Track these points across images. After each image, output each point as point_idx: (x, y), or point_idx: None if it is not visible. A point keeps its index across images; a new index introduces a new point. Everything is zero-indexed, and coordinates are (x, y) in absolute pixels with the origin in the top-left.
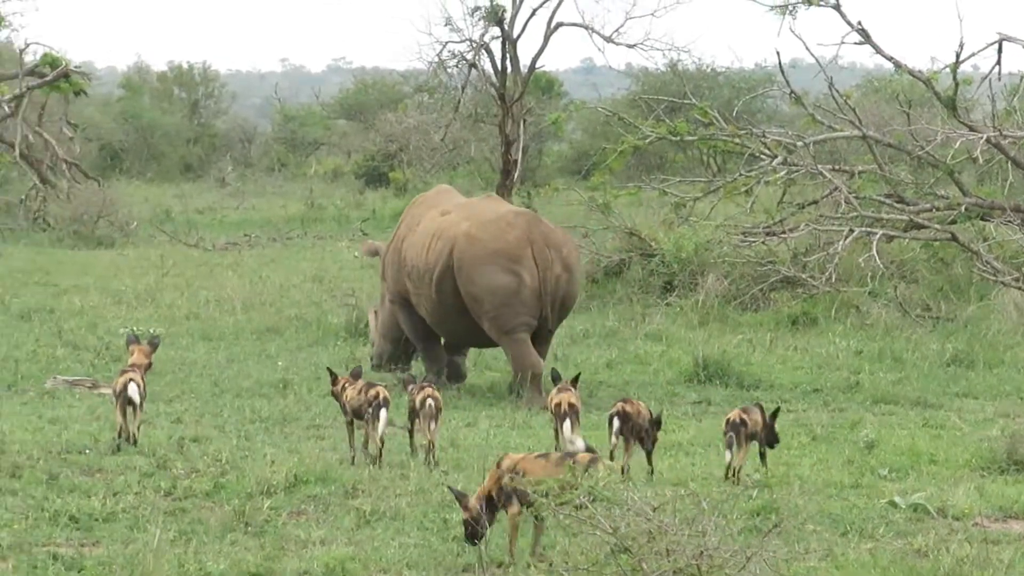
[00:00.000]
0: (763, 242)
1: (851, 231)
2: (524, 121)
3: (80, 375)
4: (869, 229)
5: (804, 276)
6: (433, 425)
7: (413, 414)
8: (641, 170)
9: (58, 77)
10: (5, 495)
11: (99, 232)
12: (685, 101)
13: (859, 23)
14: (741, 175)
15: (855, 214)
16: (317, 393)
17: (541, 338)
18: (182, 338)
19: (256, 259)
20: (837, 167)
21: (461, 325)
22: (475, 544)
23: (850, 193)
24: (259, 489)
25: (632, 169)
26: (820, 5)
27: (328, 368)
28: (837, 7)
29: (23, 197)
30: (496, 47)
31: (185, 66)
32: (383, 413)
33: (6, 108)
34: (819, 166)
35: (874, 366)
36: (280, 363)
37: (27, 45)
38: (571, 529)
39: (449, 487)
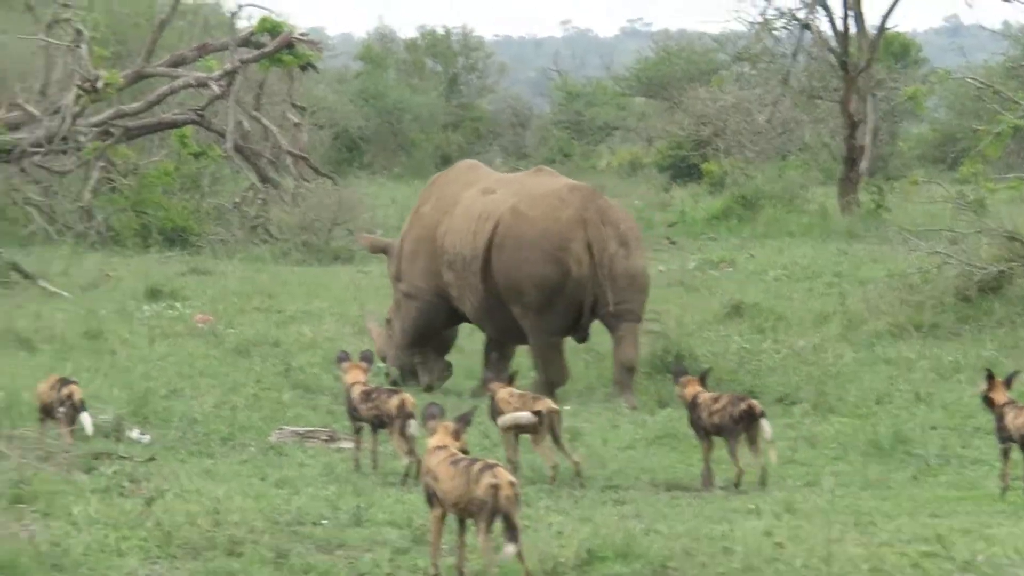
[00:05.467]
0: None
1: None
2: (873, 96)
3: (313, 425)
4: None
5: None
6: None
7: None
8: None
9: (280, 47)
10: None
11: (334, 243)
12: None
13: None
14: None
15: None
16: (615, 445)
17: (623, 319)
18: None
19: None
20: None
21: (512, 317)
22: None
23: None
24: (544, 568)
25: (1013, 156)
26: None
27: None
28: None
29: (237, 200)
30: (836, 3)
31: (440, 32)
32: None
33: (215, 88)
34: None
35: None
36: (567, 407)
37: (240, 8)
38: None
39: None
